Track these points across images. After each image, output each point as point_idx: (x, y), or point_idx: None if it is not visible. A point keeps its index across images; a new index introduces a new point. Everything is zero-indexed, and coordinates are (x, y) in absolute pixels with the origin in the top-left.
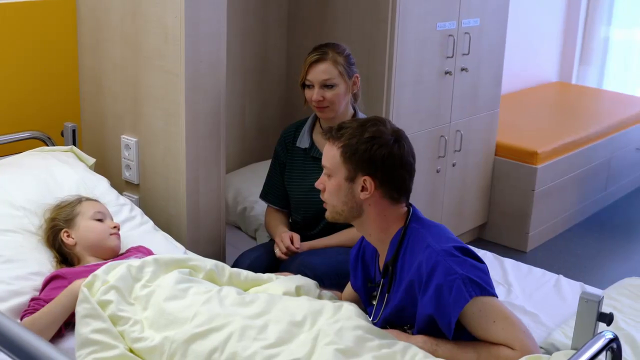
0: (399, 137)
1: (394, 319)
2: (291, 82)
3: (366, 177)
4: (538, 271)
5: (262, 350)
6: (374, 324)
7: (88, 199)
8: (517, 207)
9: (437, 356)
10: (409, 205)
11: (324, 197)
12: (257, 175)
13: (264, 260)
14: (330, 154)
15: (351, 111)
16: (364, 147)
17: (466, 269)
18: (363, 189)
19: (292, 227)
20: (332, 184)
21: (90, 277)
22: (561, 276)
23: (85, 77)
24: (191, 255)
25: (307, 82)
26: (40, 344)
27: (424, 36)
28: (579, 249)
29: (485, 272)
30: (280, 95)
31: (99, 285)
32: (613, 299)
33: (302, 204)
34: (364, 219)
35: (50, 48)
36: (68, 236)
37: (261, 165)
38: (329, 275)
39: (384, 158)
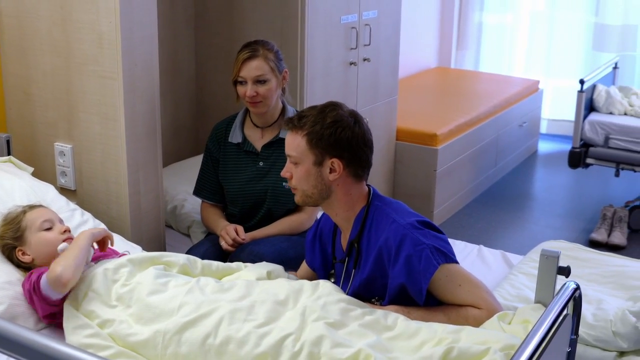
0: (356, 118)
1: (362, 292)
2: (202, 82)
3: (334, 159)
4: (460, 243)
5: (254, 329)
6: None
7: (32, 207)
8: (421, 187)
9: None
10: (369, 185)
11: (292, 184)
12: (179, 174)
13: (213, 253)
14: (295, 143)
15: (280, 105)
16: (329, 132)
17: (431, 240)
18: (332, 170)
19: (230, 220)
20: (301, 171)
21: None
22: (482, 246)
23: (10, 86)
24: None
25: (239, 79)
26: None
27: (330, 30)
28: (479, 223)
29: (447, 242)
30: (192, 95)
31: (82, 297)
32: (536, 261)
33: (238, 197)
34: (332, 199)
35: None
36: (23, 254)
37: (181, 164)
38: (276, 262)
39: (349, 139)
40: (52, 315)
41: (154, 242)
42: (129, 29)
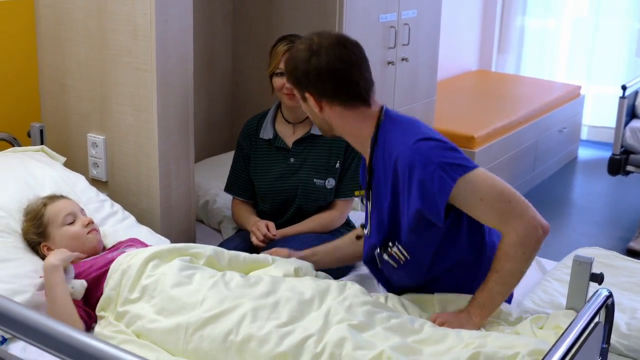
0: (317, 49)
1: (381, 227)
2: (237, 78)
3: (306, 94)
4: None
5: (276, 329)
6: (368, 238)
7: (52, 199)
8: None
9: (478, 313)
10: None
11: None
12: (212, 168)
13: (243, 249)
14: None
15: None
16: (291, 70)
17: (441, 155)
18: (314, 103)
19: (260, 217)
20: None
21: (102, 300)
22: None
23: (46, 77)
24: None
25: (279, 70)
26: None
27: (368, 28)
28: None
29: (458, 149)
30: (227, 91)
31: (114, 306)
32: (570, 267)
33: (268, 193)
34: (336, 130)
35: (9, 49)
36: (48, 249)
37: (214, 159)
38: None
39: (307, 74)
40: None
41: (184, 235)
42: (164, 21)
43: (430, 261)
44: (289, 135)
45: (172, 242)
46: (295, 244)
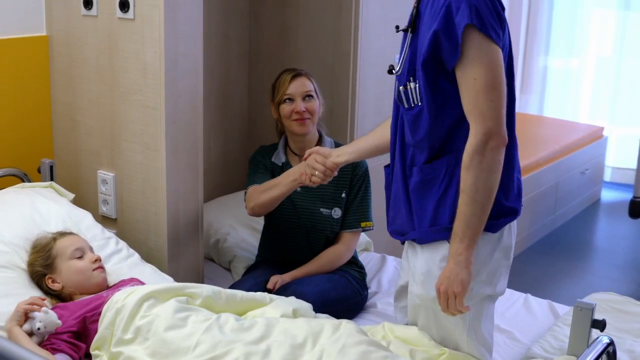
0: None
1: (410, 63)
2: (253, 116)
3: None
4: (506, 291)
5: None
6: (398, 74)
7: (62, 234)
8: None
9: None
10: None
11: None
12: (225, 207)
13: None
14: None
15: (317, 134)
16: None
17: (484, 8)
18: None
19: (271, 244)
20: None
21: (96, 339)
22: (529, 295)
23: (58, 113)
24: (187, 283)
25: (287, 96)
26: None
27: (383, 68)
28: (534, 271)
29: (500, 18)
30: (243, 129)
31: (108, 346)
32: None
33: (276, 219)
34: None
35: (23, 85)
36: (53, 282)
37: (228, 198)
38: (317, 303)
39: None
40: None
41: (192, 274)
42: (173, 60)
43: (431, 118)
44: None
45: (179, 281)
46: (308, 287)
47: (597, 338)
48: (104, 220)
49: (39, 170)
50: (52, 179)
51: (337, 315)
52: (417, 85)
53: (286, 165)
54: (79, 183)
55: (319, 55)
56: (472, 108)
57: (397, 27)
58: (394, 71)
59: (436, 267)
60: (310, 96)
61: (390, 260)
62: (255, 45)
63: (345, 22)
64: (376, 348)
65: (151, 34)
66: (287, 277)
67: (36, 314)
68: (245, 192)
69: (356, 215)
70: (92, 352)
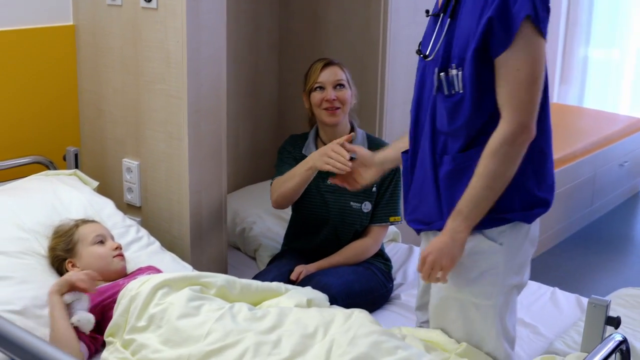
0: None
1: (449, 50)
2: (283, 105)
3: None
4: (533, 284)
5: None
6: (429, 59)
7: (85, 221)
8: None
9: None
10: None
11: None
12: (252, 196)
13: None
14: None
15: (349, 125)
16: None
17: None
18: None
19: (296, 237)
20: None
21: (110, 326)
22: (556, 289)
23: (85, 102)
24: (202, 272)
25: (318, 85)
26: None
27: (413, 57)
28: (568, 264)
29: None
30: (273, 119)
31: (121, 333)
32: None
33: (305, 211)
34: None
35: (50, 74)
36: (72, 266)
37: (256, 187)
38: (341, 295)
39: None
40: None
41: (215, 263)
42: (196, 49)
43: (473, 107)
44: None
45: (203, 269)
46: (333, 278)
47: (610, 335)
48: (129, 208)
49: (64, 158)
50: (76, 167)
51: (361, 307)
52: (460, 72)
53: None
54: (105, 171)
55: (349, 45)
56: (509, 98)
57: (427, 11)
58: (422, 55)
59: (465, 257)
60: (341, 85)
61: (417, 251)
62: (286, 35)
63: (375, 10)
64: (388, 338)
65: (174, 24)
66: (312, 267)
67: (80, 311)
68: (271, 184)
69: (386, 210)
70: (106, 338)
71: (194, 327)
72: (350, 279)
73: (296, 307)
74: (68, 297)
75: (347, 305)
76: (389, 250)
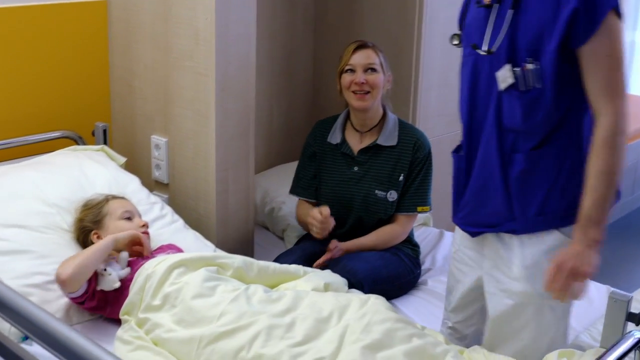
0: None
1: (517, 43)
2: (318, 84)
3: None
4: None
5: (288, 349)
6: (492, 53)
7: (115, 197)
8: None
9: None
10: None
11: None
12: (284, 176)
13: (303, 264)
14: None
15: (381, 110)
16: None
17: None
18: None
19: None
20: None
21: (126, 304)
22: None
23: (115, 78)
24: (220, 253)
25: (348, 67)
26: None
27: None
28: (606, 252)
29: None
30: (307, 97)
31: (136, 311)
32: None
33: (329, 198)
34: None
35: (82, 49)
36: (98, 237)
37: (288, 166)
38: (368, 281)
39: None
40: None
41: (241, 242)
42: (225, 26)
43: (552, 102)
44: (356, 143)
45: (229, 247)
46: (359, 263)
47: (630, 332)
48: (157, 185)
49: (93, 134)
50: (105, 143)
51: (388, 293)
52: (537, 67)
53: (341, 146)
54: (134, 147)
55: (384, 25)
56: (605, 86)
57: (479, 1)
58: (479, 50)
59: (544, 259)
60: (373, 69)
61: (448, 236)
62: (321, 13)
63: None
64: (403, 325)
65: (203, 0)
66: (344, 245)
67: (114, 263)
68: (291, 192)
69: (414, 199)
70: (122, 316)
71: (208, 307)
72: (377, 265)
73: (313, 290)
74: (107, 264)
75: (373, 291)
76: (419, 234)
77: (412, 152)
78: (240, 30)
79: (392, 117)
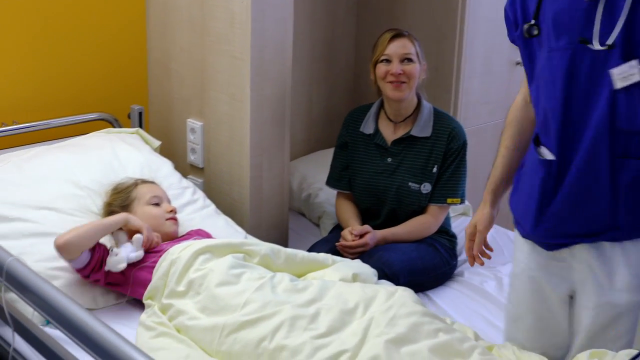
0: None
1: (635, 29)
2: (359, 71)
3: None
4: None
5: (311, 340)
6: (607, 49)
7: (144, 182)
8: None
9: None
10: None
11: None
12: (322, 162)
13: (337, 254)
14: None
15: (416, 100)
16: None
17: None
18: None
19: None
20: None
21: (149, 289)
22: None
23: (153, 61)
24: (251, 239)
25: (384, 57)
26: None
27: (494, 27)
28: None
29: None
30: (348, 83)
31: (160, 296)
32: None
33: (363, 191)
34: None
35: (120, 32)
36: None
37: (327, 152)
38: (404, 273)
39: None
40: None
41: (275, 228)
42: (261, 10)
43: None
44: (390, 134)
45: (262, 233)
46: (395, 254)
47: None
48: (192, 169)
49: (129, 116)
50: (140, 126)
51: (424, 285)
52: None
53: (374, 136)
54: (169, 131)
55: (427, 11)
56: None
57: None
58: (590, 44)
59: None
60: (409, 59)
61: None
62: None
63: None
64: (430, 319)
65: None
66: (378, 233)
67: (129, 245)
68: (326, 183)
69: (444, 190)
70: (145, 301)
71: (232, 295)
72: (413, 256)
73: (340, 280)
74: (118, 244)
75: (409, 282)
76: (458, 224)
77: (447, 143)
78: (277, 14)
79: (427, 107)
